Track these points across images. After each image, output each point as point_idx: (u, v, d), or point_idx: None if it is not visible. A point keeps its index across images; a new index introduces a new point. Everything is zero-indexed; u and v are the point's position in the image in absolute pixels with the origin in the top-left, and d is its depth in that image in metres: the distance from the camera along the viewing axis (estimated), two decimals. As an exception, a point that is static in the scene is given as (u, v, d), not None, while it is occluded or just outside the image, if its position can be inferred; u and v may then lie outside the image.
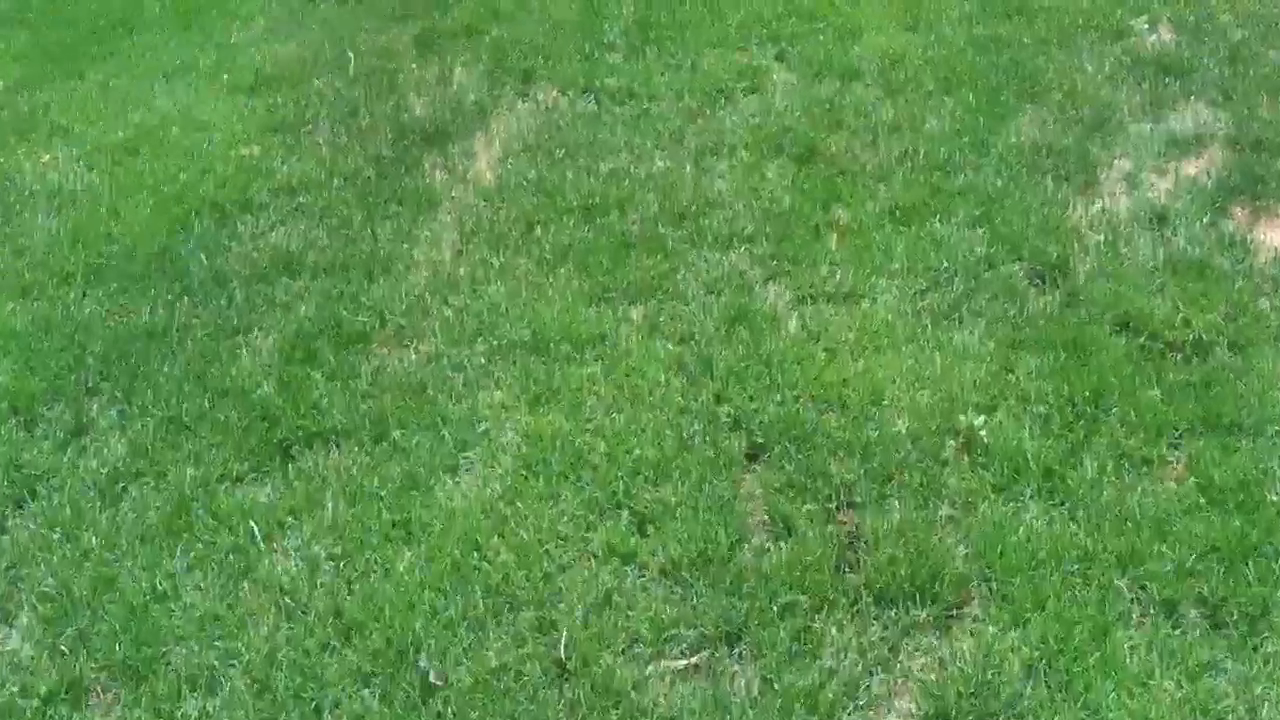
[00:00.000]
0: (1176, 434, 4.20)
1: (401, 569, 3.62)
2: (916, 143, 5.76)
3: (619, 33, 6.61)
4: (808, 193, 5.47)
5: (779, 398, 4.32)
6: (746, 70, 6.31)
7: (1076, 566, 3.64)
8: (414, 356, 4.56)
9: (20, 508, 3.94)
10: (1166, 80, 6.11)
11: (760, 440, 4.17)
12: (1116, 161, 5.68)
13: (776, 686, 3.34)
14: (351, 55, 6.43)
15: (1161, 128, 5.84)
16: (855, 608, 3.56)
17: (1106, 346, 4.59)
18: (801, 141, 5.76)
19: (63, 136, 5.90)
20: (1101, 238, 5.27)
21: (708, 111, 6.04)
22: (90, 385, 4.41)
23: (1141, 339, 4.66)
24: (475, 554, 3.67)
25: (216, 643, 3.44)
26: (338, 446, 4.12)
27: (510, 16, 6.76)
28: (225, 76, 6.28)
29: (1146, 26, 6.51)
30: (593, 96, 6.19)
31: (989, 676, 3.36)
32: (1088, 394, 4.33)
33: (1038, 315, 4.84)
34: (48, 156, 5.76)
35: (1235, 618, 3.48)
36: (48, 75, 6.35)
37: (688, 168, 5.67)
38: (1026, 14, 6.58)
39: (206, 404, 4.25)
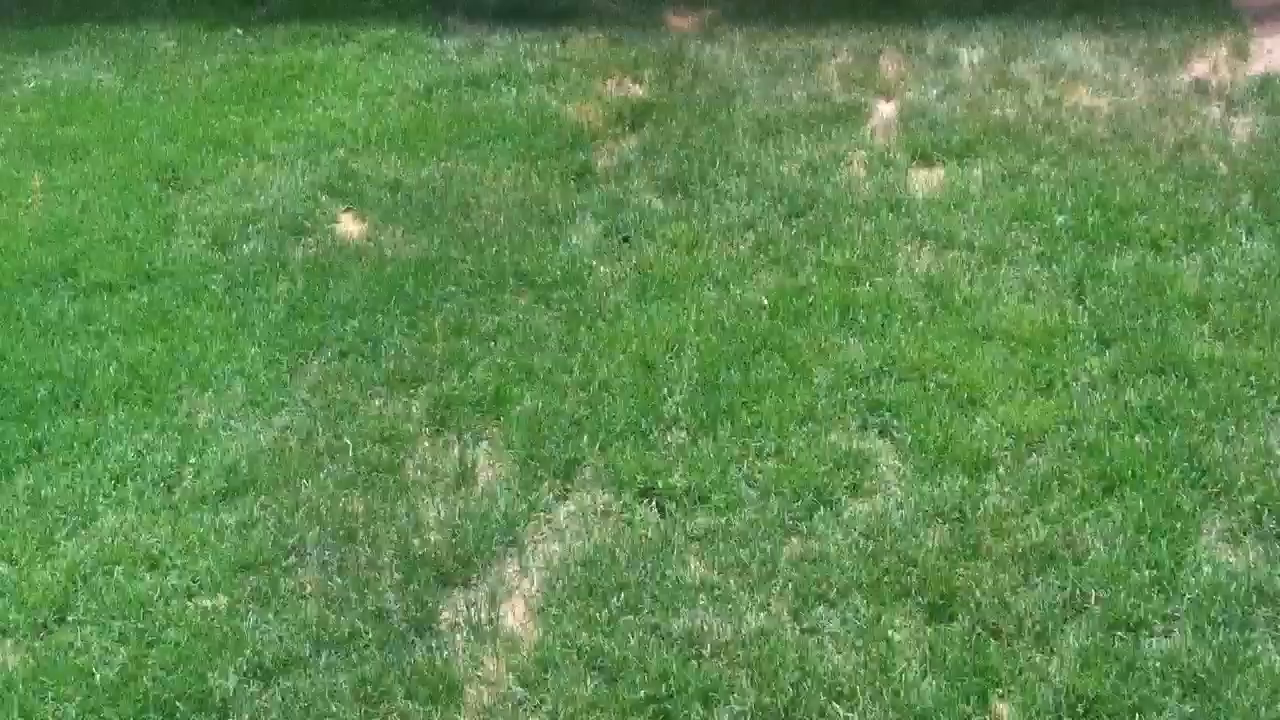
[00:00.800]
0: None
1: None
2: (1081, 579, 4.41)
3: (681, 399, 5.30)
4: (952, 670, 4.11)
5: None
6: (846, 458, 4.98)
7: None
8: None
9: None
10: (1387, 476, 4.81)
11: None
12: (1348, 607, 4.37)
13: None
14: (349, 442, 5.12)
15: (1397, 550, 4.53)
16: None
17: None
18: (932, 579, 4.40)
19: (-26, 582, 4.59)
20: (1361, 743, 3.93)
21: (803, 526, 4.71)
22: None
23: None
24: None
25: None
26: None
27: (546, 377, 5.45)
28: (187, 480, 4.96)
29: (1342, 386, 5.23)
30: (654, 502, 4.87)
31: None
32: None
33: None
34: (-48, 621, 4.44)
35: None
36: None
37: (787, 626, 4.31)
38: (1183, 371, 5.27)
39: None
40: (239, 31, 8.65)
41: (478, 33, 8.48)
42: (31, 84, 8.19)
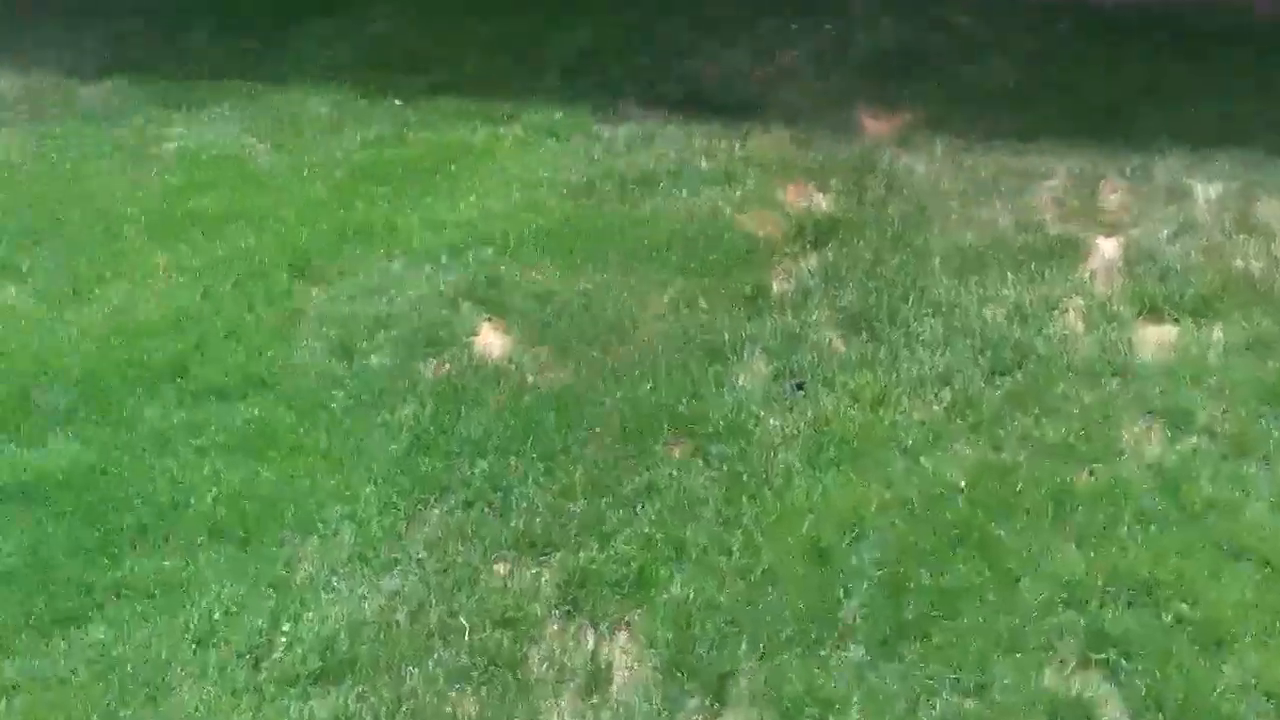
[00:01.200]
0: None
1: None
2: None
3: (860, 603, 4.45)
4: None
5: None
6: (1063, 707, 4.07)
7: None
8: None
9: None
10: None
11: None
12: None
13: None
14: (466, 623, 4.37)
15: None
16: None
17: None
18: None
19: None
20: None
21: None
22: None
23: None
24: None
25: None
26: None
27: (700, 557, 4.63)
28: (277, 651, 4.25)
29: None
30: (822, 736, 4.03)
31: None
32: None
33: None
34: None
35: None
36: (30, 622, 4.41)
37: None
38: None
39: None
40: (398, 102, 8.02)
41: (651, 121, 7.71)
42: (175, 144, 7.64)
